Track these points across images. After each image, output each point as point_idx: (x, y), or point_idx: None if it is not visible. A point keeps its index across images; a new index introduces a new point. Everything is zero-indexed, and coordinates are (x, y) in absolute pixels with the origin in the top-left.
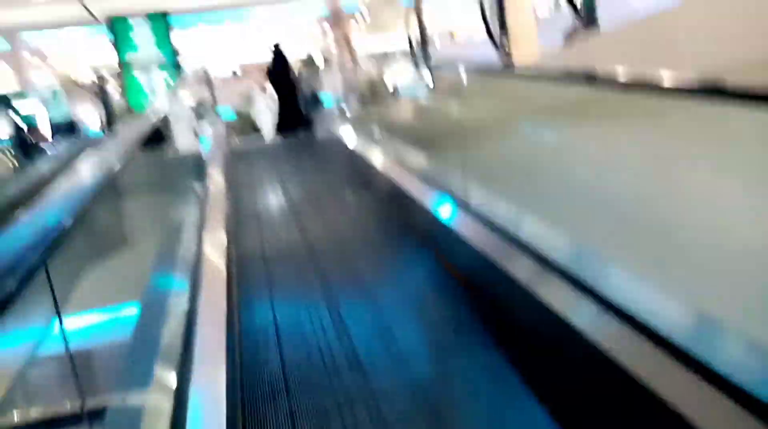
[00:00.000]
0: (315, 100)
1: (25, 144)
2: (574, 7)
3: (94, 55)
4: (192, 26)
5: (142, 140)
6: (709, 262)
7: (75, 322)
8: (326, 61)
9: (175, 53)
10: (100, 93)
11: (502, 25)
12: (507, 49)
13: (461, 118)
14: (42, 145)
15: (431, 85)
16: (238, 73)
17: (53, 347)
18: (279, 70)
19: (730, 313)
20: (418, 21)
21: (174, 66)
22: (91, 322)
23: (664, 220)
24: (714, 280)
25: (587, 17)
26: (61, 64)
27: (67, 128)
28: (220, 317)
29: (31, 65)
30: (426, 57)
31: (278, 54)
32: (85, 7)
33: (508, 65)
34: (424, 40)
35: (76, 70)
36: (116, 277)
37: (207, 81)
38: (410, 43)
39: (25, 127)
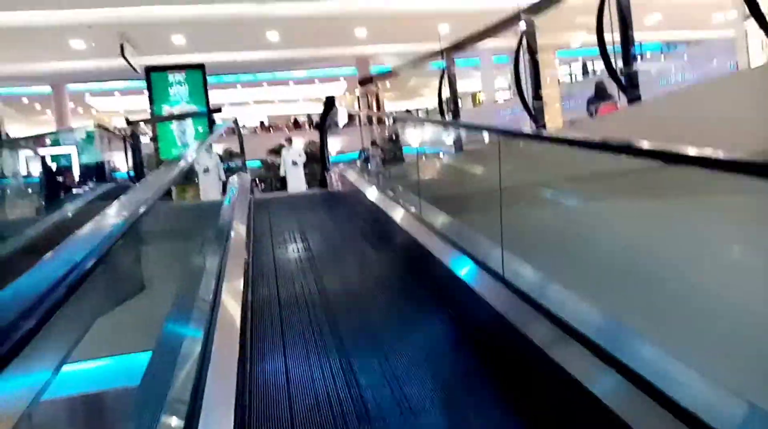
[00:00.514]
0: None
1: (54, 185)
2: (616, 79)
3: (133, 102)
4: (230, 87)
5: (170, 188)
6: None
7: (85, 366)
8: (350, 117)
9: (208, 106)
10: (131, 139)
11: (537, 93)
12: (541, 116)
13: (493, 180)
14: (73, 187)
15: (460, 144)
16: (266, 123)
17: (62, 392)
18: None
19: None
20: (449, 82)
21: (207, 117)
22: (101, 367)
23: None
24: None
25: (629, 87)
26: (101, 110)
27: (96, 172)
28: (231, 368)
29: (71, 110)
30: (456, 116)
31: (330, 105)
32: (126, 60)
33: (540, 129)
34: (455, 100)
35: (114, 117)
36: (131, 322)
37: (237, 133)
38: (440, 102)
39: (54, 168)
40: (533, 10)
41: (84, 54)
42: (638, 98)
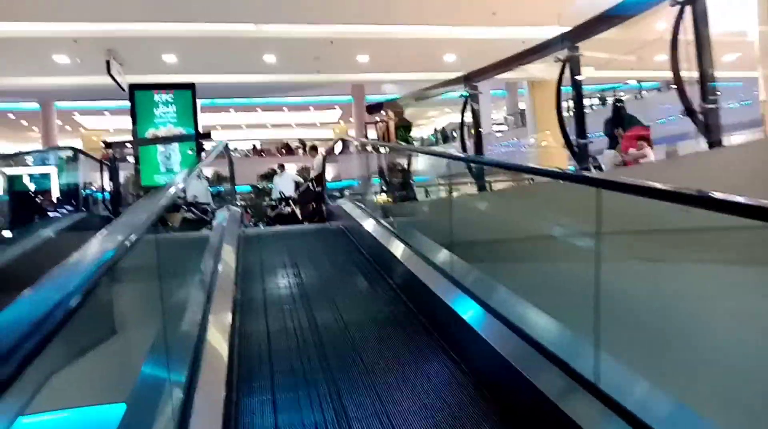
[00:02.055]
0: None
1: (27, 207)
2: (695, 119)
3: (123, 122)
4: (222, 109)
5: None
6: None
7: (54, 418)
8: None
9: (197, 129)
10: (110, 163)
11: (581, 129)
12: (585, 155)
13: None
14: (48, 210)
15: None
16: (258, 146)
17: None
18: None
19: None
20: (472, 112)
21: (195, 142)
22: (63, 419)
23: None
24: None
25: (709, 127)
26: (90, 128)
27: (72, 195)
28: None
29: (59, 128)
30: (479, 150)
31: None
32: (113, 78)
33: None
34: (477, 132)
35: (102, 136)
36: (100, 371)
37: (228, 160)
38: (462, 134)
39: (32, 188)
40: (577, 34)
41: (69, 70)
42: (719, 142)
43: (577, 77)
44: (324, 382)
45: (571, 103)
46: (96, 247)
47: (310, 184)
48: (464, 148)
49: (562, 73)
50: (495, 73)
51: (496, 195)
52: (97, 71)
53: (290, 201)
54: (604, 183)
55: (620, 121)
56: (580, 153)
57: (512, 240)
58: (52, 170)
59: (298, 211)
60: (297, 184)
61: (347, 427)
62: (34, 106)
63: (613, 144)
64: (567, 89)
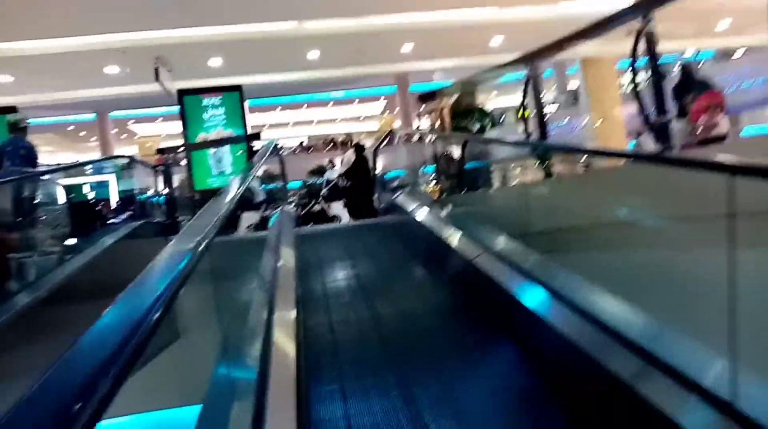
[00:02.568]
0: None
1: (87, 217)
2: None
3: (175, 127)
4: (270, 107)
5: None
6: None
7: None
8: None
9: (246, 131)
10: (165, 169)
11: (661, 106)
12: (666, 135)
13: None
14: (108, 217)
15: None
16: (305, 143)
17: None
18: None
19: None
20: (534, 95)
21: (245, 143)
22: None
23: None
24: None
25: None
26: (144, 135)
27: (129, 202)
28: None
29: (114, 136)
30: (543, 134)
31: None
32: (162, 85)
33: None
34: (541, 117)
35: (155, 143)
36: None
37: (279, 159)
38: (524, 118)
39: (92, 197)
40: (653, 2)
41: (119, 80)
42: None
43: (654, 49)
44: None
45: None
46: (169, 257)
47: (340, 180)
48: (527, 132)
49: (636, 45)
50: (558, 51)
51: (573, 181)
52: (146, 79)
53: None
54: (741, 169)
55: (690, 86)
56: (660, 132)
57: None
58: (109, 178)
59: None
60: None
61: None
62: (90, 116)
63: (683, 114)
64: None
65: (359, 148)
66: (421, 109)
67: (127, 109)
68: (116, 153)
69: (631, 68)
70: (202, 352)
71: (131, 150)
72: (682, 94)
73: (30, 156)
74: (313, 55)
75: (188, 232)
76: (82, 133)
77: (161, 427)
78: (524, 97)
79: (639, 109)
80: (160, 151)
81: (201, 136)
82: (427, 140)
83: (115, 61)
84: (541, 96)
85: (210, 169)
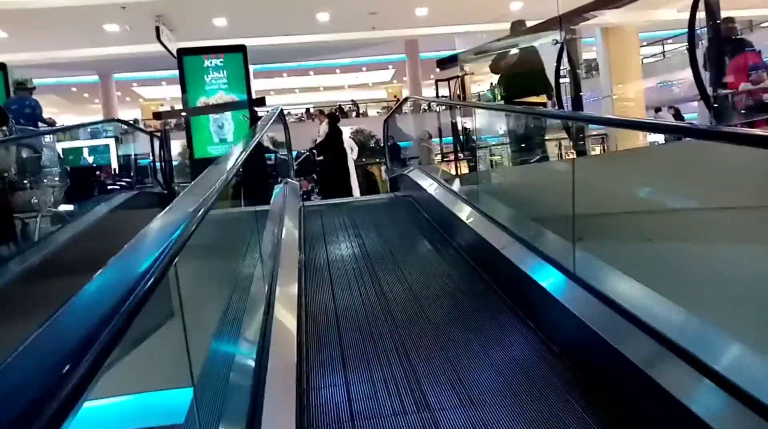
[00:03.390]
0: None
1: (84, 183)
2: None
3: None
4: (275, 73)
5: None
6: None
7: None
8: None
9: (250, 95)
10: (160, 135)
11: (720, 78)
12: (727, 109)
13: None
14: (107, 183)
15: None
16: (311, 110)
17: None
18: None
19: None
20: (569, 60)
21: (248, 109)
22: (130, 403)
23: None
24: None
25: None
26: (148, 98)
27: (128, 168)
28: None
29: (118, 99)
30: (578, 105)
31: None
32: (163, 45)
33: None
34: (576, 83)
35: (161, 105)
36: (159, 356)
37: (284, 127)
38: (557, 86)
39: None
40: None
41: (120, 39)
42: None
43: (715, 15)
44: None
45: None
46: (165, 222)
47: (310, 154)
48: (560, 104)
49: (694, 12)
50: (595, 10)
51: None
52: (148, 39)
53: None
54: None
55: (725, 46)
56: (719, 106)
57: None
58: (110, 143)
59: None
60: (352, 150)
61: None
62: (93, 78)
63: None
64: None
65: (333, 119)
66: (438, 77)
67: (130, 71)
68: (120, 116)
69: (689, 36)
70: (197, 332)
71: (135, 113)
72: (718, 56)
73: (34, 114)
74: (323, 17)
75: (187, 199)
76: (85, 95)
77: (153, 409)
78: (558, 64)
79: (697, 82)
80: (157, 115)
81: (202, 101)
82: (441, 111)
83: (115, 18)
84: (576, 62)
85: (211, 137)
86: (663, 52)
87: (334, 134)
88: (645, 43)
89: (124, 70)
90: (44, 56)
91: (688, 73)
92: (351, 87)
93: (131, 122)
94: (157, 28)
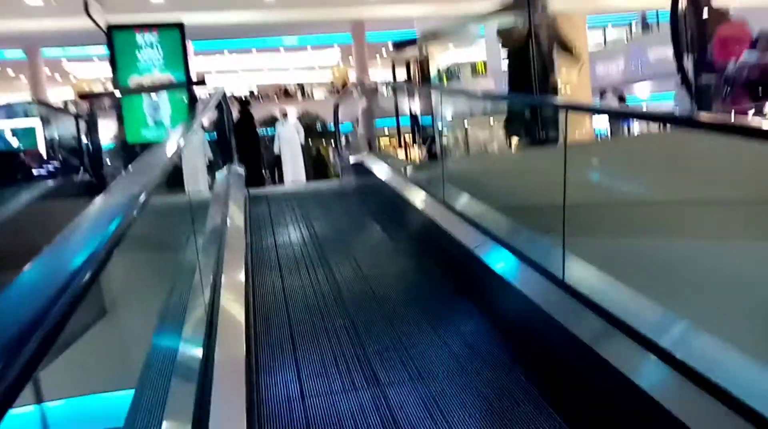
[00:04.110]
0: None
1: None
2: None
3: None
4: (216, 52)
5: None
6: None
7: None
8: (344, 87)
9: (188, 75)
10: (87, 118)
11: (702, 63)
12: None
13: None
14: (33, 167)
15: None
16: (255, 92)
17: None
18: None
19: None
20: (537, 43)
21: (186, 90)
22: (60, 408)
23: None
24: None
25: None
26: (81, 77)
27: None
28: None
29: (47, 78)
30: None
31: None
32: (92, 20)
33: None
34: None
35: (94, 85)
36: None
37: (226, 110)
38: (533, 67)
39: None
40: None
41: (44, 11)
42: None
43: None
44: None
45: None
46: (100, 213)
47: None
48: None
49: None
50: None
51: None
52: (75, 11)
53: None
54: None
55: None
56: (701, 94)
57: None
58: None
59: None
60: (299, 133)
61: None
62: (19, 54)
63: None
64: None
65: (243, 104)
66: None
67: (60, 45)
68: (50, 96)
69: (671, 17)
70: (133, 329)
71: (67, 93)
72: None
73: None
74: None
75: (127, 183)
76: (9, 71)
77: (89, 414)
78: (529, 42)
79: (679, 68)
80: (84, 96)
81: (134, 80)
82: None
83: None
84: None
85: (145, 119)
86: (604, 39)
87: (245, 119)
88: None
89: (53, 44)
90: None
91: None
92: (297, 69)
93: (46, 103)
94: (86, 1)
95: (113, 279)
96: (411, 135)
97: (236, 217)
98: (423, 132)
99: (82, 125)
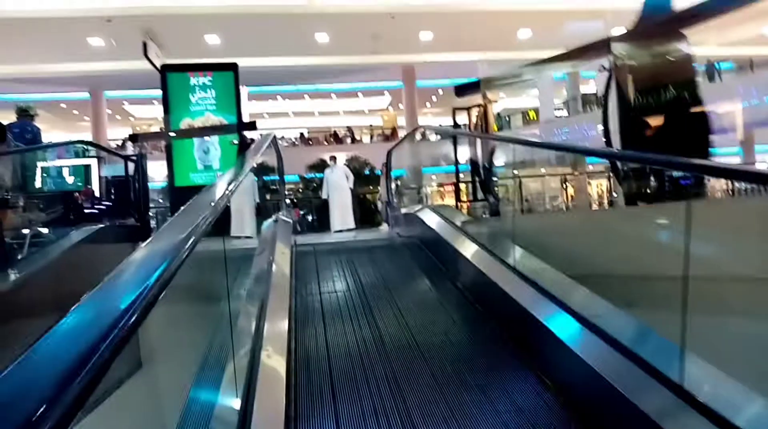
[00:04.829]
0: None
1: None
2: None
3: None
4: (270, 99)
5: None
6: None
7: None
8: (393, 133)
9: (240, 118)
10: (138, 160)
11: None
12: None
13: None
14: (84, 207)
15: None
16: (305, 134)
17: None
18: None
19: None
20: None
21: (237, 133)
22: None
23: None
24: None
25: None
26: (139, 117)
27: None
28: None
29: (108, 117)
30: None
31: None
32: (150, 61)
33: None
34: (628, 114)
35: (153, 125)
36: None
37: (277, 157)
38: (605, 121)
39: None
40: None
41: (105, 54)
42: None
43: None
44: None
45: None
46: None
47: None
48: (608, 139)
49: None
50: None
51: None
52: (135, 55)
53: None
54: None
55: None
56: None
57: None
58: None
59: None
60: (348, 178)
61: None
62: (84, 95)
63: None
64: None
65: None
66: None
67: (121, 88)
68: (110, 135)
69: None
70: (170, 383)
71: (126, 132)
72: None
73: (35, 140)
74: (322, 37)
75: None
76: (75, 112)
77: None
78: (606, 93)
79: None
80: (133, 137)
81: (186, 122)
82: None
83: (100, 31)
84: (625, 90)
85: (195, 163)
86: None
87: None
88: None
89: (115, 87)
90: (27, 69)
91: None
92: (346, 113)
93: (97, 145)
94: (144, 44)
95: (150, 329)
96: (471, 186)
97: (280, 274)
98: (489, 184)
99: (131, 167)
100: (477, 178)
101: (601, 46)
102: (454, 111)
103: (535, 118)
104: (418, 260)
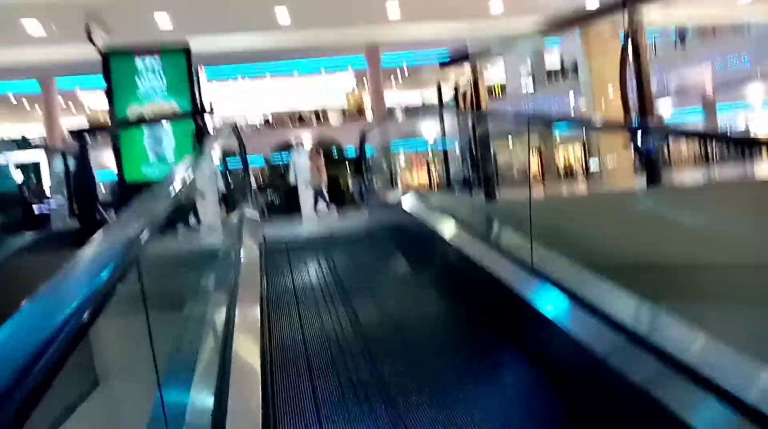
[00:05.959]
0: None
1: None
2: None
3: None
4: (230, 78)
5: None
6: None
7: None
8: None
9: (195, 104)
10: (81, 156)
11: None
12: None
13: None
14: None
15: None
16: (270, 120)
17: None
18: None
19: None
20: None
21: (192, 120)
22: None
23: None
24: None
25: None
26: (96, 108)
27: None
28: None
29: (62, 109)
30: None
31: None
32: (95, 45)
33: None
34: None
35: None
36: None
37: (239, 143)
38: (624, 93)
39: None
40: None
41: (43, 39)
42: None
43: None
44: None
45: None
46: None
47: None
48: (627, 112)
49: None
50: None
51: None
52: (81, 38)
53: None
54: None
55: None
56: None
57: None
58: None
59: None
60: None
61: None
62: (34, 86)
63: None
64: None
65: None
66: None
67: (71, 75)
68: (65, 127)
69: None
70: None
71: (81, 123)
72: None
73: None
74: (282, 12)
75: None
76: (24, 102)
77: None
78: (623, 60)
79: None
80: (75, 134)
81: (133, 109)
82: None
83: (35, 13)
84: (643, 59)
85: (145, 155)
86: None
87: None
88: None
89: (65, 74)
90: None
91: None
92: (312, 92)
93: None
94: (88, 26)
95: (106, 342)
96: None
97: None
98: (483, 167)
99: (71, 163)
100: (469, 157)
101: (617, 10)
102: (440, 86)
103: (500, 94)
104: (414, 265)
